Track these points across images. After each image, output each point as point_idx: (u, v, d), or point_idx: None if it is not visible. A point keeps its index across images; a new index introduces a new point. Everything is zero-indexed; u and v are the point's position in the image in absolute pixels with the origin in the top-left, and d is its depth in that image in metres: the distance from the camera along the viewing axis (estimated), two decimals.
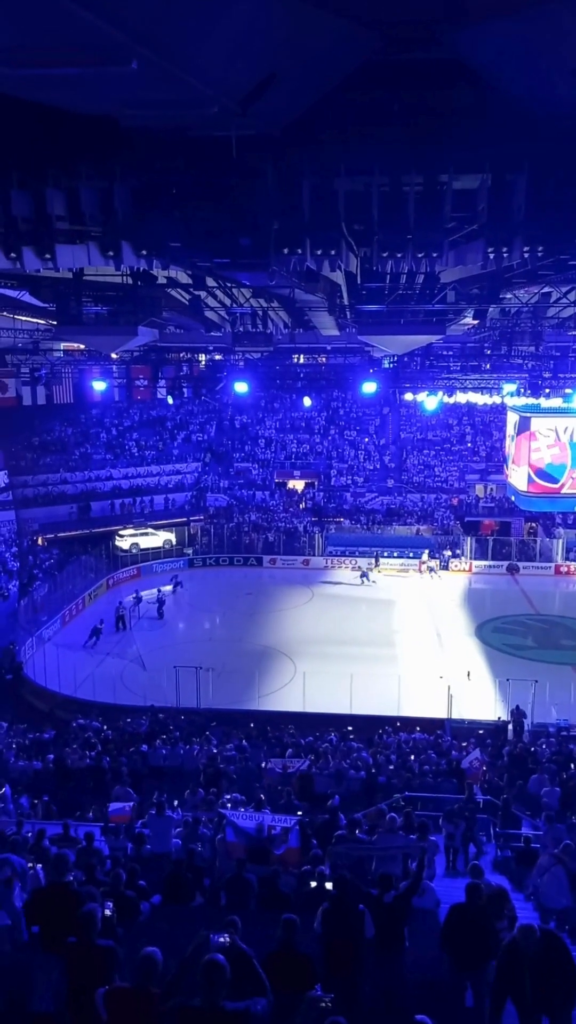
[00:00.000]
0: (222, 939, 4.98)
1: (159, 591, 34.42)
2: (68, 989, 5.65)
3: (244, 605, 34.41)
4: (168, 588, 35.67)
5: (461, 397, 36.35)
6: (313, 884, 8.67)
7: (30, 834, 10.58)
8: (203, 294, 16.82)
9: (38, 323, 23.74)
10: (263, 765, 16.42)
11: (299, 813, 12.16)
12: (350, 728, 20.80)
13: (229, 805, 12.32)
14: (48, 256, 9.44)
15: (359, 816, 11.22)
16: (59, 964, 5.85)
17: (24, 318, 22.31)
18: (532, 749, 18.17)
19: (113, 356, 30.98)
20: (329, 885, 8.26)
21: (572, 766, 16.50)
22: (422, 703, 23.01)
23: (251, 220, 9.26)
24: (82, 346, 28.93)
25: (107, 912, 6.37)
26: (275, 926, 6.17)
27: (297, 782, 15.00)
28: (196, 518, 43.76)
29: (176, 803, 13.02)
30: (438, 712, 22.25)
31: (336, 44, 6.49)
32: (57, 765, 16.38)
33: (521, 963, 5.41)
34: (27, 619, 29.73)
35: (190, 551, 41.59)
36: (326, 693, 22.89)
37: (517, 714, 20.67)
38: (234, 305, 18.73)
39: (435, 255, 9.25)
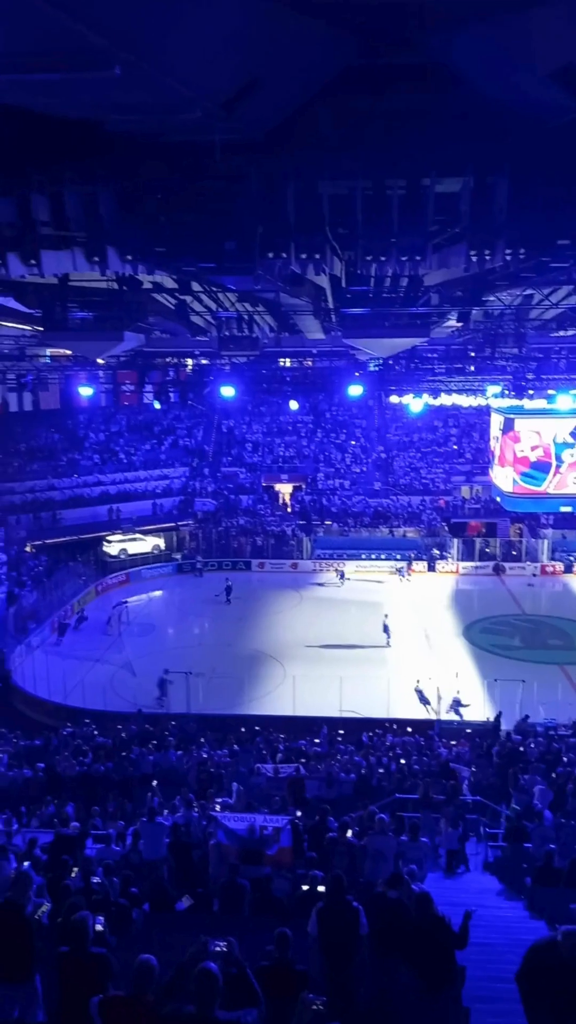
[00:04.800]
0: (218, 947, 4.93)
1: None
2: (61, 998, 5.61)
3: (233, 610, 34.35)
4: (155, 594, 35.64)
5: (446, 399, 36.49)
6: (306, 888, 8.67)
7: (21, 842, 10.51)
8: (189, 299, 16.80)
9: (23, 329, 23.59)
10: (254, 769, 16.40)
11: (298, 814, 12.13)
12: (341, 731, 20.80)
13: (219, 808, 12.29)
14: (33, 262, 9.41)
15: (348, 818, 11.23)
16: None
17: (9, 324, 22.17)
18: (521, 749, 18.23)
19: (99, 361, 30.87)
20: (322, 888, 8.26)
21: (560, 766, 16.56)
22: (412, 704, 23.06)
23: (236, 224, 9.28)
24: (68, 351, 28.78)
25: (99, 926, 6.32)
26: (269, 931, 6.16)
27: (288, 786, 14.98)
28: (184, 523, 43.61)
29: (166, 810, 12.95)
30: (428, 713, 22.31)
31: (317, 49, 6.51)
32: (48, 773, 16.27)
33: (560, 972, 4.69)
34: (16, 627, 29.54)
35: (179, 556, 41.46)
36: (316, 696, 22.89)
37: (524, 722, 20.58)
38: (220, 309, 18.73)
39: (418, 258, 9.29)
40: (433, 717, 22.14)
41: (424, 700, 24.44)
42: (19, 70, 5.46)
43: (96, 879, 8.25)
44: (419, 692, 24.59)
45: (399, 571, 39.69)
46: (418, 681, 25.18)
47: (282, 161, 8.73)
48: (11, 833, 11.18)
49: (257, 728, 21.16)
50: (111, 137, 8.29)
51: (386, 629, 29.60)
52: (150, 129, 8.03)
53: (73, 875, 8.15)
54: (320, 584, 38.73)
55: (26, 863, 8.48)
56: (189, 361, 36.10)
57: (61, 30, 4.80)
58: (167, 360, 33.24)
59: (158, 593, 37.10)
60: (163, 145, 8.46)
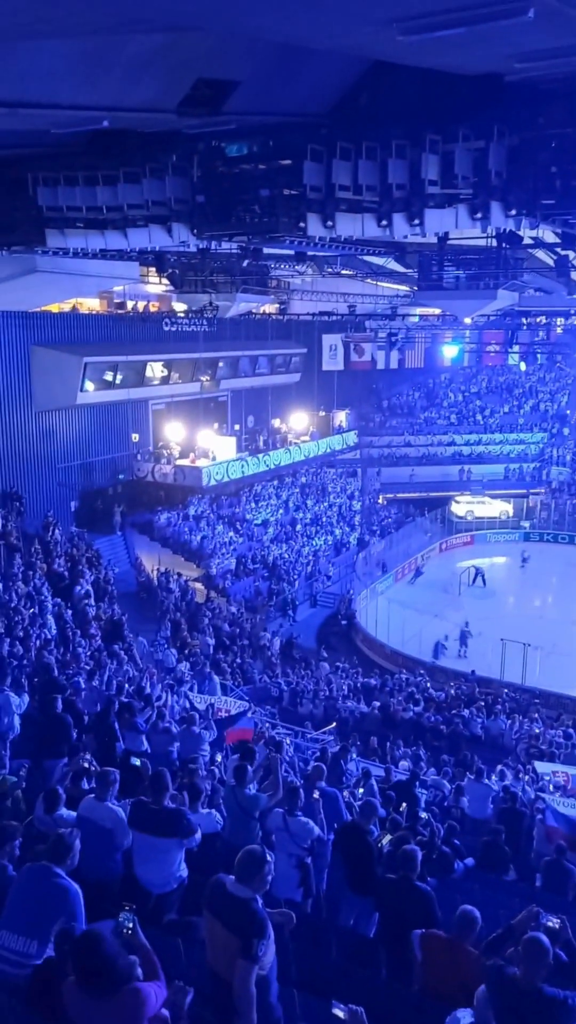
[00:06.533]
0: (552, 921, 4.79)
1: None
2: (381, 921, 6.03)
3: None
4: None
5: None
6: None
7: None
8: (571, 254, 15.86)
9: (398, 289, 24.39)
10: None
11: None
12: None
13: (551, 788, 11.92)
14: (417, 222, 9.62)
15: None
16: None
17: (385, 284, 23.08)
18: None
19: (466, 321, 30.73)
20: None
21: None
22: None
23: None
24: (437, 311, 29.12)
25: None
26: None
27: None
28: (536, 491, 42.01)
29: (494, 776, 12.92)
30: None
31: None
32: (382, 712, 17.25)
33: None
34: (364, 571, 31.38)
35: (527, 524, 40.14)
36: None
37: None
38: None
39: None
40: None
41: None
42: (435, 28, 5.55)
43: (423, 818, 8.60)
44: None
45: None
46: None
47: None
48: (347, 760, 12.09)
49: None
50: (510, 88, 8.08)
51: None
52: (554, 74, 7.65)
53: (401, 810, 8.60)
54: None
55: (361, 791, 9.15)
56: (560, 321, 34.21)
57: None
58: (537, 320, 31.91)
59: (502, 559, 36.43)
60: (566, 92, 8.03)
